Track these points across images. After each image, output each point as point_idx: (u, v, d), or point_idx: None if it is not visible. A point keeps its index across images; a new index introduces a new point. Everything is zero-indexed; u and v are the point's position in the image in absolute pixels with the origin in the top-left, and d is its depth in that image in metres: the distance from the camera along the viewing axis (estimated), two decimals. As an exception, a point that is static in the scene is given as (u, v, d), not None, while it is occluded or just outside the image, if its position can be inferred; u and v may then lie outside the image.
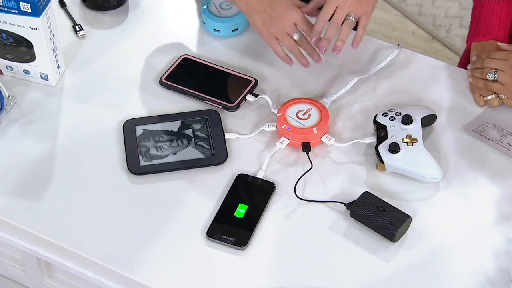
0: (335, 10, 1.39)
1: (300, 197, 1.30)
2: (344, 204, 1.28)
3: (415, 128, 1.35)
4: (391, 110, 1.38)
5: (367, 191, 1.28)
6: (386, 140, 1.34)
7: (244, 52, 1.54)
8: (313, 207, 1.29)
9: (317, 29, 1.41)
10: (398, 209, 1.25)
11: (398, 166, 1.32)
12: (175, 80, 1.47)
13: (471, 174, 1.35)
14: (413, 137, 1.34)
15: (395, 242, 1.25)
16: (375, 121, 1.38)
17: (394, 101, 1.45)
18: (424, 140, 1.34)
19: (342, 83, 1.47)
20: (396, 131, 1.35)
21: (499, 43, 1.49)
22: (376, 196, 1.27)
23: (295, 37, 1.40)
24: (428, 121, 1.40)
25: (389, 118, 1.37)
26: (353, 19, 1.40)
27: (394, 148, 1.31)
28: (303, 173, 1.32)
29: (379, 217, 1.24)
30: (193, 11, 1.63)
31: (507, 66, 1.41)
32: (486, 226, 1.28)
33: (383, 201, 1.27)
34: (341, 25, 1.41)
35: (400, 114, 1.37)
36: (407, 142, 1.33)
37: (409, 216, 1.25)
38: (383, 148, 1.33)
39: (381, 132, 1.36)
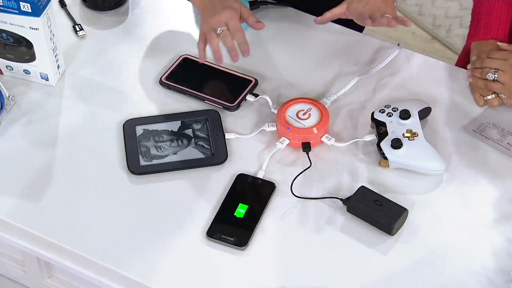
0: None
1: (297, 195, 1.30)
2: (341, 199, 1.28)
3: (414, 123, 1.36)
4: (387, 106, 1.39)
5: (363, 186, 1.29)
6: (388, 137, 1.34)
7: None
8: (312, 206, 1.29)
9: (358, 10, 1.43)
10: (395, 203, 1.26)
11: (402, 161, 1.32)
12: (175, 80, 1.47)
13: (471, 174, 1.35)
14: (413, 131, 1.34)
15: (392, 235, 1.25)
16: (372, 118, 1.39)
17: (394, 101, 1.45)
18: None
19: (342, 83, 1.47)
20: (395, 127, 1.35)
21: (499, 43, 1.49)
22: (372, 191, 1.28)
23: (218, 31, 1.39)
24: (423, 114, 1.40)
25: (387, 114, 1.37)
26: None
27: (396, 144, 1.32)
28: (301, 171, 1.32)
29: (376, 211, 1.25)
30: (193, 11, 1.63)
31: (507, 66, 1.41)
32: (486, 226, 1.28)
33: (380, 195, 1.27)
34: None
35: (397, 109, 1.38)
36: (408, 137, 1.34)
37: (406, 209, 1.26)
38: (385, 145, 1.33)
39: (380, 129, 1.36)
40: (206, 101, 1.44)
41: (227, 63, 1.50)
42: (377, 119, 1.38)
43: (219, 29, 1.39)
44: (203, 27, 1.42)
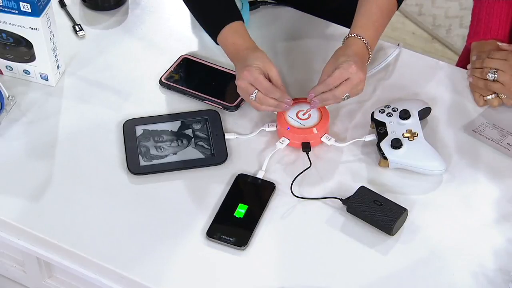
0: (343, 82, 1.32)
1: (297, 195, 1.30)
2: (341, 199, 1.28)
3: (413, 123, 1.36)
4: (387, 106, 1.39)
5: (362, 186, 1.29)
6: (387, 137, 1.34)
7: (244, 52, 1.54)
8: (312, 206, 1.29)
9: (318, 90, 1.34)
10: (395, 203, 1.26)
11: (402, 162, 1.32)
12: (175, 80, 1.47)
13: (471, 174, 1.35)
14: (413, 131, 1.34)
15: (392, 235, 1.25)
16: (372, 119, 1.39)
17: (394, 101, 1.45)
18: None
19: (342, 83, 1.47)
20: (395, 127, 1.35)
21: (499, 43, 1.48)
22: (372, 191, 1.28)
23: (251, 98, 1.33)
24: (423, 114, 1.40)
25: (387, 114, 1.38)
26: (346, 99, 1.34)
27: (396, 144, 1.32)
28: (301, 171, 1.32)
29: (376, 211, 1.25)
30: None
31: (507, 66, 1.41)
32: (486, 226, 1.28)
33: (379, 195, 1.27)
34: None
35: (397, 109, 1.38)
36: (408, 137, 1.34)
37: (406, 209, 1.26)
38: (385, 145, 1.33)
39: (380, 129, 1.36)
40: (206, 101, 1.44)
41: (227, 63, 1.50)
42: (377, 119, 1.38)
43: (251, 96, 1.33)
44: (238, 90, 1.36)
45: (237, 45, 1.39)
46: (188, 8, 1.48)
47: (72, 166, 1.35)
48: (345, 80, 1.32)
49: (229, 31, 1.40)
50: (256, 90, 1.33)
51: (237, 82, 1.35)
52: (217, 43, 1.42)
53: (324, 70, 1.36)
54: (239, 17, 1.41)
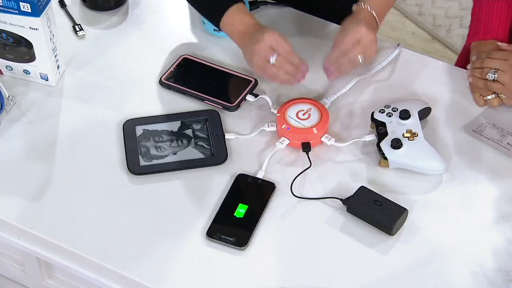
0: (354, 44, 1.36)
1: (297, 195, 1.30)
2: (341, 199, 1.28)
3: (413, 123, 1.36)
4: (387, 106, 1.39)
5: (362, 186, 1.29)
6: (387, 137, 1.34)
7: (244, 52, 1.54)
8: (312, 205, 1.29)
9: (333, 56, 1.38)
10: (395, 203, 1.26)
11: (402, 162, 1.32)
12: (175, 80, 1.47)
13: (471, 174, 1.35)
14: (413, 131, 1.34)
15: (392, 235, 1.25)
16: (372, 119, 1.39)
17: (394, 101, 1.45)
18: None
19: (342, 83, 1.47)
20: (395, 127, 1.36)
21: (499, 43, 1.48)
22: (372, 191, 1.28)
23: (271, 60, 1.35)
24: (423, 114, 1.40)
25: (387, 114, 1.38)
26: (362, 60, 1.37)
27: (396, 144, 1.32)
28: (301, 171, 1.32)
29: (376, 211, 1.25)
30: (193, 11, 1.63)
31: (507, 66, 1.41)
32: (486, 226, 1.28)
33: (379, 195, 1.27)
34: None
35: (397, 109, 1.38)
36: (408, 137, 1.34)
37: (406, 209, 1.26)
38: (385, 145, 1.33)
39: (380, 129, 1.36)
40: (206, 101, 1.44)
41: (227, 63, 1.50)
42: (377, 119, 1.38)
43: (272, 58, 1.34)
44: (253, 60, 1.37)
45: (246, 21, 1.40)
46: None
47: (72, 166, 1.35)
48: (357, 42, 1.35)
49: (236, 10, 1.41)
50: (276, 54, 1.34)
51: (253, 47, 1.35)
52: (218, 28, 1.43)
53: (335, 39, 1.39)
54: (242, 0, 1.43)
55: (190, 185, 1.32)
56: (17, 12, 1.37)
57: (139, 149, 1.36)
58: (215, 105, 1.43)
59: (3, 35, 1.42)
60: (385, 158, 1.33)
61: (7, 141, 1.38)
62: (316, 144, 1.37)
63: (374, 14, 1.41)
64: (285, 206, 1.30)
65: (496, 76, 1.41)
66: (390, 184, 1.33)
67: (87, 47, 1.55)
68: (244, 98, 1.44)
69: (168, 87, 1.47)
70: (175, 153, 1.36)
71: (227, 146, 1.37)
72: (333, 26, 1.60)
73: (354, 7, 1.43)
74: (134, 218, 1.27)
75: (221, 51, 1.54)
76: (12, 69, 1.47)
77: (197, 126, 1.40)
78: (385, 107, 1.39)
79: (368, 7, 1.41)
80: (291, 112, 1.39)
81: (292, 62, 1.37)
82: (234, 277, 1.21)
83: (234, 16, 1.41)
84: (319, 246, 1.25)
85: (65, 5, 1.63)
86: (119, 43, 1.56)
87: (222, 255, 1.23)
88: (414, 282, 1.21)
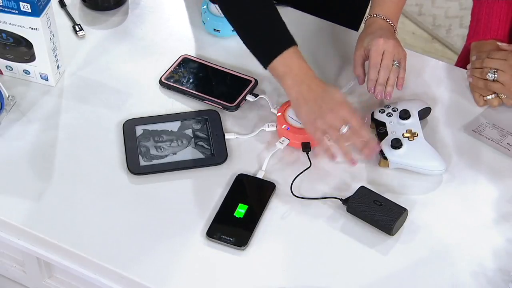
0: (383, 56, 1.38)
1: (297, 195, 1.30)
2: (341, 199, 1.28)
3: (413, 123, 1.36)
4: (387, 106, 1.39)
5: (362, 186, 1.29)
6: (387, 137, 1.34)
7: (244, 52, 1.53)
8: (312, 205, 1.29)
9: (373, 77, 1.38)
10: (395, 203, 1.26)
11: (402, 162, 1.32)
12: (175, 80, 1.47)
13: (471, 174, 1.35)
14: (413, 131, 1.34)
15: (392, 235, 1.25)
16: (372, 119, 1.39)
17: (394, 101, 1.45)
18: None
19: (342, 84, 1.47)
20: (395, 127, 1.36)
21: (499, 43, 1.48)
22: (372, 191, 1.28)
23: (344, 130, 1.27)
24: (423, 114, 1.40)
25: (387, 114, 1.38)
26: (398, 64, 1.39)
27: (396, 144, 1.32)
28: (301, 171, 1.32)
29: (376, 211, 1.25)
30: (193, 11, 1.63)
31: (507, 66, 1.41)
32: (486, 226, 1.28)
33: (379, 195, 1.28)
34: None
35: (397, 109, 1.38)
36: (408, 137, 1.34)
37: (406, 209, 1.26)
38: (385, 145, 1.33)
39: (380, 129, 1.36)
40: (206, 101, 1.44)
41: (227, 63, 1.50)
42: (377, 119, 1.38)
43: (344, 128, 1.27)
44: (316, 123, 1.28)
45: (304, 68, 1.31)
46: (238, 28, 1.36)
47: (72, 166, 1.35)
48: (383, 54, 1.37)
49: (293, 52, 1.32)
50: (349, 125, 1.27)
51: (322, 110, 1.28)
52: (265, 67, 1.33)
53: (355, 58, 1.42)
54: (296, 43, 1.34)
55: (190, 185, 1.32)
56: (17, 12, 1.37)
57: (139, 149, 1.36)
58: (215, 105, 1.43)
59: (3, 35, 1.42)
60: (385, 158, 1.33)
61: (7, 141, 1.38)
62: (316, 144, 1.37)
63: (388, 20, 1.43)
64: (285, 206, 1.30)
65: (496, 76, 1.41)
66: (390, 184, 1.33)
67: (87, 47, 1.55)
68: (244, 98, 1.44)
69: (168, 87, 1.47)
70: (175, 153, 1.36)
71: (227, 146, 1.37)
72: (333, 26, 1.60)
73: (365, 20, 1.44)
74: (134, 218, 1.27)
75: (221, 51, 1.54)
76: (12, 69, 1.47)
77: (197, 126, 1.40)
78: (385, 107, 1.39)
79: (380, 15, 1.43)
80: (291, 112, 1.39)
81: (362, 135, 1.28)
82: (234, 277, 1.21)
83: (292, 58, 1.31)
84: (319, 246, 1.25)
85: (65, 5, 1.63)
86: (119, 43, 1.56)
87: (222, 255, 1.23)
88: (414, 282, 1.21)
